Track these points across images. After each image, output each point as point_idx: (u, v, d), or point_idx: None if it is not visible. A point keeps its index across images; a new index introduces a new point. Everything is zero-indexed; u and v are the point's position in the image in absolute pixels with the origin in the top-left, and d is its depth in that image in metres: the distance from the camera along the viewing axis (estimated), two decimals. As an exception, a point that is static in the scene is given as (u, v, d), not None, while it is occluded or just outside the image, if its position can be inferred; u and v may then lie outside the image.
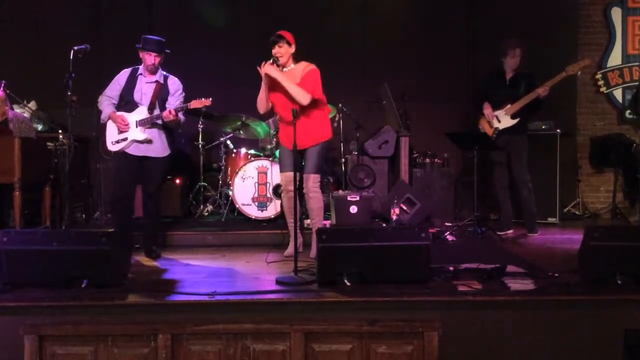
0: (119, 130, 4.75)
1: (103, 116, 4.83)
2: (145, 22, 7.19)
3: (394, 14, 7.30)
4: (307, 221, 5.65)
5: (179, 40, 6.93)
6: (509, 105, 5.64)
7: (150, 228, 4.93)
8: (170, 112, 4.65)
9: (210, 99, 4.75)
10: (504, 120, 5.67)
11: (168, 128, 4.87)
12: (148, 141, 4.76)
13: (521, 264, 4.30)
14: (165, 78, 4.89)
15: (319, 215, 4.77)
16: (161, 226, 5.26)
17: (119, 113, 4.78)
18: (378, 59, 7.16)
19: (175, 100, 4.84)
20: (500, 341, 3.41)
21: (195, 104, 4.75)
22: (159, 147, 4.83)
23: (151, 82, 4.83)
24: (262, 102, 4.67)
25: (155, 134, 4.80)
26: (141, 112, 4.77)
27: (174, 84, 4.90)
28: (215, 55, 7.10)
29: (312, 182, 4.69)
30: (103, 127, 4.93)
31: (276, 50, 4.53)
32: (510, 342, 3.41)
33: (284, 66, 4.60)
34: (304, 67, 4.58)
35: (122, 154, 4.79)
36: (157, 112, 4.76)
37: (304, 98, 4.45)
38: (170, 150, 4.90)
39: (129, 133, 4.74)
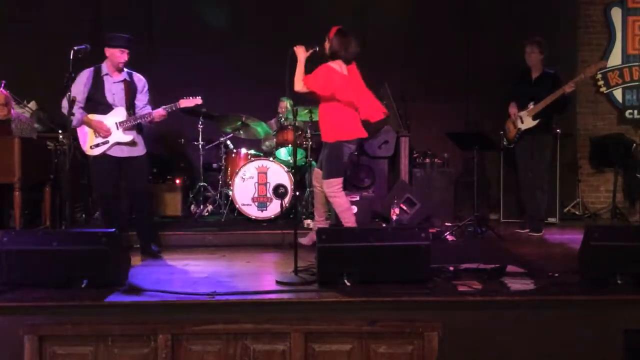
0: (98, 134, 4.67)
1: (75, 122, 4.62)
2: (146, 22, 7.19)
3: (394, 14, 7.29)
4: (307, 221, 5.67)
5: (180, 40, 6.96)
6: (531, 106, 5.59)
7: (145, 227, 4.90)
8: (163, 111, 4.67)
9: (200, 97, 4.74)
10: (526, 121, 5.63)
11: (141, 127, 4.82)
12: (132, 142, 4.72)
13: (521, 264, 4.30)
14: (130, 75, 4.81)
15: (344, 218, 4.84)
16: (157, 224, 5.22)
17: (96, 118, 4.67)
18: (378, 59, 7.15)
19: (144, 97, 4.82)
20: (500, 341, 3.40)
21: (184, 102, 4.72)
22: (140, 146, 4.80)
23: (119, 82, 4.74)
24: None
25: (134, 134, 4.76)
26: (119, 114, 4.70)
27: (140, 81, 4.84)
28: (216, 55, 7.09)
29: (327, 187, 4.83)
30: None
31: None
32: (510, 342, 3.40)
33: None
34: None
35: (102, 156, 4.70)
36: (136, 112, 4.74)
37: (296, 84, 4.70)
38: (146, 148, 4.86)
39: (111, 136, 4.67)
